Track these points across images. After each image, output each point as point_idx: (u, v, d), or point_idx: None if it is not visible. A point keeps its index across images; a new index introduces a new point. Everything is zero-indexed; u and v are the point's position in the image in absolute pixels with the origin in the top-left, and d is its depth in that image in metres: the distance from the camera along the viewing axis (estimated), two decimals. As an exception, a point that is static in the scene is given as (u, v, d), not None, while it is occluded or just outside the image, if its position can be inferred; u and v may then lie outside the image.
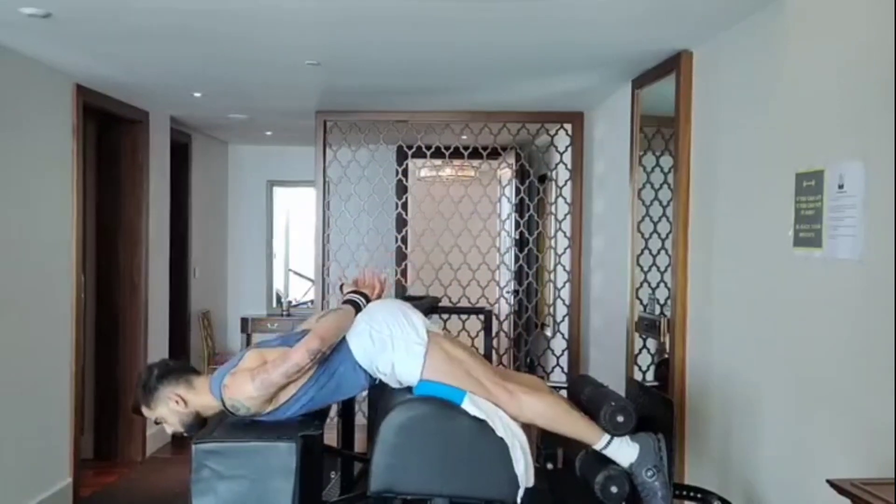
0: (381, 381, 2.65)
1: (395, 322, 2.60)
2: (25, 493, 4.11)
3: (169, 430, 2.63)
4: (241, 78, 4.55)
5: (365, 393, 3.52)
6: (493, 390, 2.52)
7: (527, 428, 2.58)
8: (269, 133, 7.03)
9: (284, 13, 3.17)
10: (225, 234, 7.96)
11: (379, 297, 2.76)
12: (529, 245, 5.75)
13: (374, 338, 2.57)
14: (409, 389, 2.60)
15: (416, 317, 2.65)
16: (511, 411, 2.51)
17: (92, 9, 3.15)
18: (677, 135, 3.56)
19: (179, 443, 5.89)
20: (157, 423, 2.63)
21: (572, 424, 2.59)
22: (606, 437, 2.53)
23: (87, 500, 4.64)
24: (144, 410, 2.61)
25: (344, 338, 2.58)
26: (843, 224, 2.33)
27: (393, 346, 2.55)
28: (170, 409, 2.56)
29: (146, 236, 5.49)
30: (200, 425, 2.61)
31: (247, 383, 2.45)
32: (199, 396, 2.57)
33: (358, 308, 2.65)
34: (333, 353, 2.54)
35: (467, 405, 2.46)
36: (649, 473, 2.50)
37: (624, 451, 2.52)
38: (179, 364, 2.72)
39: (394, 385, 2.65)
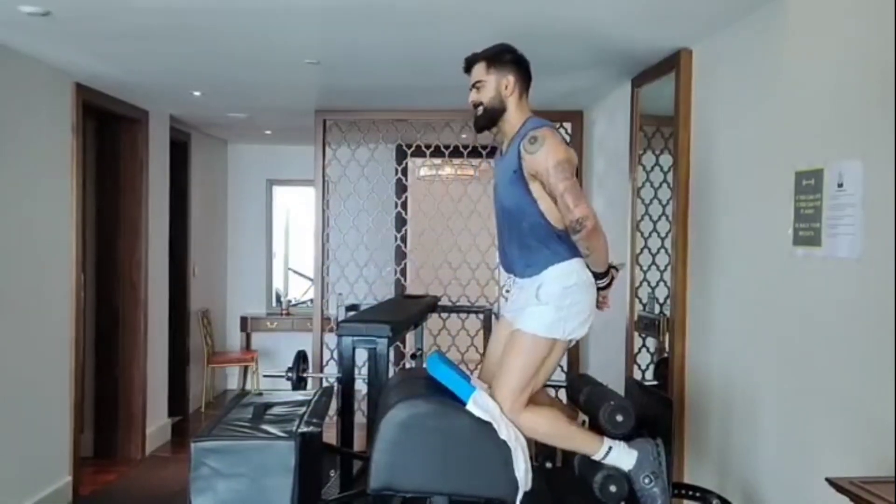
0: (509, 286, 2.62)
1: (583, 307, 2.56)
2: (25, 492, 4.11)
3: (472, 96, 2.65)
4: (240, 77, 4.54)
5: (365, 391, 3.53)
6: (516, 396, 2.50)
7: None
8: (268, 132, 7.03)
9: (284, 12, 3.17)
10: (224, 233, 7.95)
11: (604, 303, 2.72)
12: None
13: (574, 287, 2.53)
14: (410, 385, 2.59)
15: (584, 329, 2.61)
16: (510, 420, 2.50)
17: (91, 7, 3.14)
18: (677, 133, 3.56)
19: (179, 441, 5.91)
20: (474, 84, 2.64)
21: (570, 440, 2.60)
22: (605, 447, 2.53)
23: (86, 499, 4.64)
24: (479, 66, 2.63)
25: (575, 256, 2.54)
26: (842, 223, 2.34)
27: (560, 306, 2.51)
28: (496, 84, 2.60)
29: (146, 235, 5.49)
30: (491, 120, 2.65)
31: (559, 155, 2.46)
32: (516, 106, 2.63)
33: (605, 273, 2.62)
34: (567, 244, 2.52)
35: (472, 406, 2.45)
36: (647, 480, 2.50)
37: (622, 460, 2.53)
38: (531, 78, 2.71)
39: (511, 304, 2.65)
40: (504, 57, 2.63)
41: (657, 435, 2.61)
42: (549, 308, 2.51)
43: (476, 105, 2.66)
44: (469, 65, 2.67)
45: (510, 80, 2.60)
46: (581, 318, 2.56)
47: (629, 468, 2.51)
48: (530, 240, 2.57)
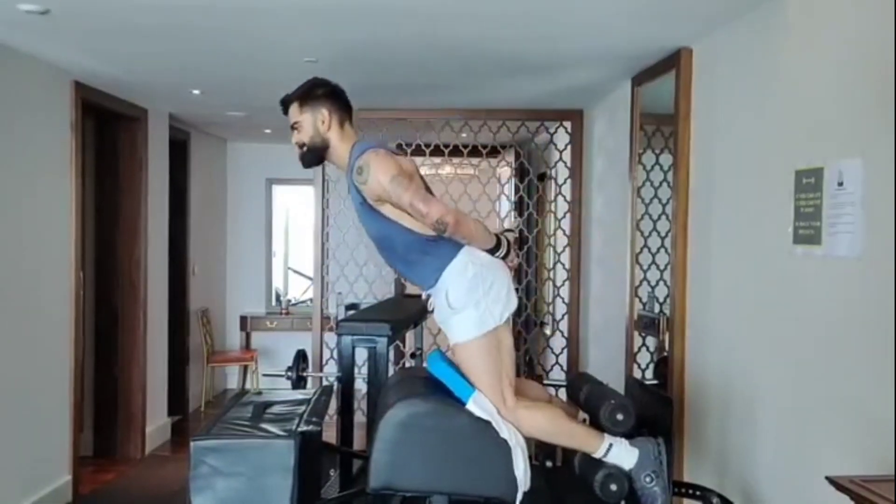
0: (430, 303, 2.61)
1: (498, 286, 2.52)
2: (25, 491, 4.11)
3: (294, 138, 2.65)
4: (239, 75, 4.54)
5: (364, 390, 3.52)
6: (505, 395, 2.50)
7: None
8: (267, 131, 7.02)
9: (283, 10, 3.16)
10: (224, 232, 7.95)
11: (509, 267, 2.65)
12: (529, 243, 5.75)
13: (476, 277, 2.49)
14: (410, 385, 2.59)
15: (513, 301, 2.57)
16: (510, 421, 2.50)
17: (90, 5, 3.14)
18: (677, 132, 3.55)
19: (178, 440, 5.91)
20: (292, 126, 2.65)
21: (570, 438, 2.59)
22: (605, 445, 2.52)
23: (86, 498, 4.64)
24: (293, 107, 2.64)
25: (461, 247, 2.52)
26: (842, 221, 2.33)
27: (476, 300, 2.48)
28: (313, 122, 2.59)
29: (145, 234, 5.49)
30: (317, 157, 2.65)
31: (390, 171, 2.44)
32: (340, 136, 2.60)
33: (498, 244, 2.57)
34: (446, 242, 2.49)
35: (472, 406, 2.44)
36: (648, 479, 2.49)
37: (623, 458, 2.52)
38: (349, 104, 2.69)
39: (437, 320, 2.61)
40: (315, 93, 2.61)
41: (657, 434, 2.60)
42: (468, 311, 2.49)
43: (299, 146, 2.65)
44: (284, 107, 2.67)
45: (325, 114, 2.58)
46: (501, 296, 2.53)
47: (630, 467, 2.50)
48: (410, 255, 2.57)
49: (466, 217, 2.54)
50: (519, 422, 2.49)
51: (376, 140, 2.59)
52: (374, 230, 2.60)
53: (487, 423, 2.44)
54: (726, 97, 3.24)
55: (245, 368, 7.66)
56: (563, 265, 5.51)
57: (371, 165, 2.46)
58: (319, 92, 2.61)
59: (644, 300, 4.07)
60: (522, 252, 5.83)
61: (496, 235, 2.59)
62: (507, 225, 2.67)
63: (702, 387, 3.36)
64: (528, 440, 2.53)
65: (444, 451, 2.45)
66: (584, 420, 2.79)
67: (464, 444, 2.45)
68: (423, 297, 2.68)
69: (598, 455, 2.53)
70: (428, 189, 2.57)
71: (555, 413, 2.61)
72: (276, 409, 2.80)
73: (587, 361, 5.31)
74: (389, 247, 2.60)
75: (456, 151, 5.65)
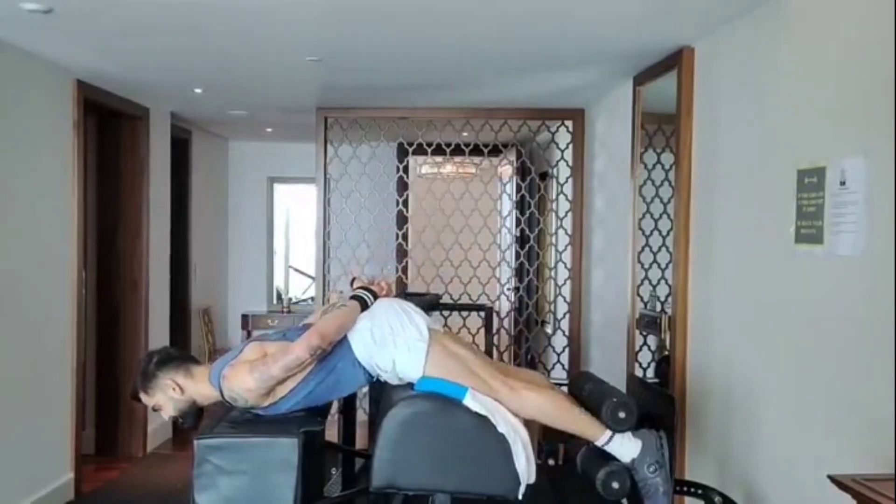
0: (381, 378, 2.66)
1: (396, 320, 2.60)
2: (27, 489, 4.11)
3: (165, 416, 2.64)
4: (241, 74, 4.55)
5: (366, 389, 3.52)
6: (494, 386, 2.52)
7: (528, 424, 2.58)
8: (269, 130, 7.03)
9: (286, 9, 3.17)
10: (225, 231, 7.96)
11: (386, 296, 2.75)
12: (530, 242, 5.75)
13: (375, 335, 2.57)
14: (410, 386, 2.60)
15: (418, 315, 2.65)
16: (512, 407, 2.51)
17: (93, 4, 3.14)
18: (678, 131, 3.56)
19: (181, 438, 5.91)
20: (154, 409, 2.65)
21: (574, 420, 2.59)
22: (608, 433, 2.53)
23: (88, 496, 4.65)
24: (142, 396, 2.63)
25: (345, 337, 2.58)
26: (844, 220, 2.34)
27: (395, 344, 2.56)
28: (167, 396, 2.58)
29: (146, 232, 5.49)
30: (197, 414, 2.64)
31: (246, 375, 2.46)
32: (197, 385, 2.58)
33: (364, 305, 2.64)
34: (334, 349, 2.55)
35: (469, 402, 2.46)
36: (651, 469, 2.50)
37: (626, 447, 2.53)
38: (180, 352, 2.73)
39: (394, 382, 2.65)
40: (149, 372, 2.60)
41: (660, 430, 2.61)
42: (397, 357, 2.54)
43: (173, 420, 2.65)
44: (136, 399, 2.67)
45: (169, 383, 2.58)
46: (405, 322, 2.59)
47: (634, 456, 2.51)
48: (328, 383, 2.57)
49: (323, 323, 2.55)
50: (522, 402, 2.51)
51: (217, 364, 2.60)
52: (292, 407, 2.58)
53: (489, 420, 2.44)
54: (728, 96, 3.24)
55: (246, 367, 7.65)
56: (565, 264, 5.51)
57: (233, 388, 2.48)
58: (151, 368, 2.60)
59: (645, 299, 4.08)
60: (524, 251, 5.84)
61: (355, 298, 2.64)
62: (348, 293, 2.74)
63: (703, 385, 3.37)
64: (530, 431, 2.54)
65: (447, 449, 2.46)
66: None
67: (466, 443, 2.46)
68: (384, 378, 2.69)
69: (599, 443, 2.53)
70: (283, 334, 2.62)
71: (558, 395, 2.63)
72: (278, 407, 2.80)
73: (589, 360, 5.32)
74: (314, 399, 2.61)
75: (458, 150, 5.66)
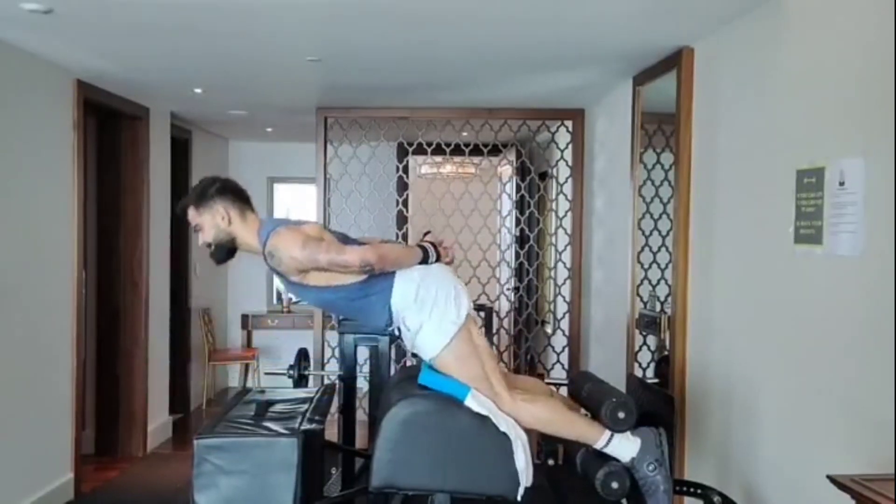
0: (397, 333, 2.64)
1: (443, 292, 2.56)
2: (27, 489, 4.12)
3: (201, 239, 2.66)
4: (241, 74, 4.55)
5: (366, 389, 3.53)
6: (498, 390, 2.52)
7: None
8: (269, 130, 7.03)
9: (286, 9, 3.17)
10: (226, 231, 7.94)
11: (448, 264, 2.70)
12: (530, 242, 5.75)
13: (419, 294, 2.54)
14: (411, 383, 2.60)
15: (465, 297, 2.61)
16: (510, 415, 2.51)
17: (93, 4, 3.15)
18: (678, 131, 3.56)
19: (181, 438, 5.92)
20: (195, 229, 2.67)
21: (571, 428, 2.60)
22: (606, 435, 2.53)
23: (88, 496, 4.65)
24: (190, 211, 2.65)
25: (394, 274, 2.55)
26: (843, 221, 2.34)
27: (430, 313, 2.53)
28: (213, 222, 2.62)
29: (147, 232, 5.49)
30: (228, 253, 2.66)
31: (298, 244, 2.47)
32: (244, 228, 2.62)
33: (426, 255, 2.60)
34: (378, 279, 2.53)
35: (470, 402, 2.46)
36: (651, 468, 2.51)
37: (625, 446, 2.53)
38: (243, 192, 2.71)
39: (407, 346, 2.64)
40: (208, 192, 2.63)
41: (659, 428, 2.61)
42: (425, 326, 2.53)
43: (207, 246, 2.68)
44: (183, 213, 2.69)
45: (222, 210, 2.61)
46: (451, 299, 2.56)
47: (633, 455, 2.51)
48: (354, 304, 2.60)
49: (385, 247, 2.57)
50: (519, 413, 2.51)
51: (277, 220, 2.62)
52: (312, 299, 2.64)
53: (489, 420, 2.45)
54: (727, 96, 3.24)
55: (246, 367, 7.67)
56: (565, 264, 5.51)
57: (279, 247, 2.50)
58: (212, 191, 2.63)
59: (645, 299, 4.08)
60: (523, 251, 5.84)
61: (419, 247, 2.62)
62: (411, 243, 2.70)
63: (703, 386, 3.37)
64: (529, 435, 2.54)
65: (446, 449, 2.46)
66: (586, 416, 2.80)
67: (466, 443, 2.46)
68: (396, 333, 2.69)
69: (598, 446, 2.54)
70: (344, 239, 2.62)
71: (555, 405, 2.63)
72: (278, 407, 2.81)
73: (588, 360, 5.32)
74: (333, 307, 2.67)
75: (458, 150, 5.66)
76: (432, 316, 2.53)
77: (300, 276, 2.54)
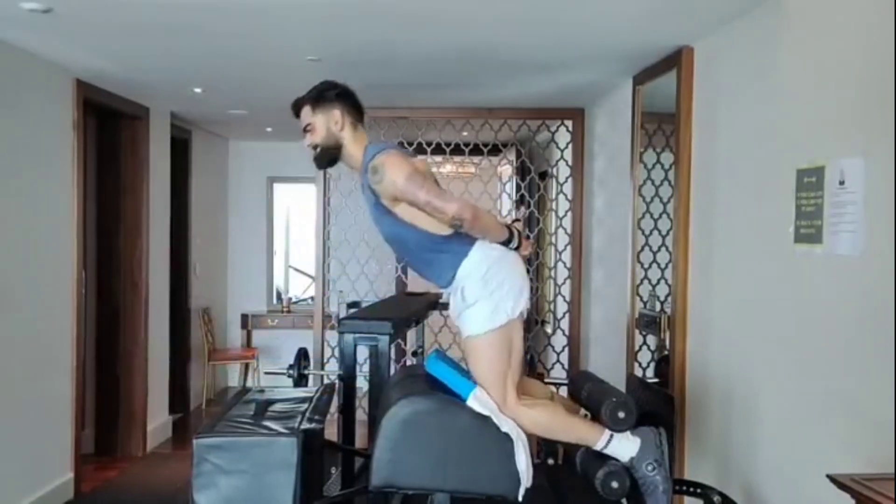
0: (448, 297, 2.62)
1: (510, 282, 2.53)
2: (26, 489, 4.11)
3: (309, 140, 2.64)
4: (241, 74, 4.55)
5: (366, 388, 3.52)
6: (507, 393, 2.50)
7: None
8: (269, 129, 7.03)
9: (286, 9, 3.17)
10: (225, 231, 7.96)
11: (523, 257, 2.67)
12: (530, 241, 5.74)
13: (487, 274, 2.51)
14: (412, 382, 2.60)
15: (525, 297, 2.58)
16: (511, 418, 2.51)
17: (92, 4, 3.15)
18: (678, 131, 3.56)
19: (180, 438, 5.92)
20: (305, 129, 2.64)
21: (570, 432, 2.60)
22: (605, 437, 2.53)
23: (88, 496, 4.65)
24: (305, 108, 2.63)
25: (474, 242, 2.53)
26: (843, 220, 2.34)
27: (489, 295, 2.50)
28: (326, 124, 2.60)
29: (146, 232, 5.49)
30: (331, 158, 2.64)
31: (404, 172, 2.45)
32: (353, 139, 2.62)
33: (510, 237, 2.59)
34: (460, 239, 2.51)
35: (472, 402, 2.45)
36: (650, 468, 2.50)
37: (624, 446, 2.53)
38: (361, 106, 2.69)
39: (452, 316, 2.64)
40: (328, 95, 2.62)
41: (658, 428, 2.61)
42: (480, 303, 2.50)
43: (312, 148, 2.65)
44: (296, 109, 2.67)
45: (338, 116, 2.60)
46: (514, 292, 2.54)
47: (632, 455, 2.51)
48: (425, 254, 2.59)
49: (482, 211, 2.55)
50: (519, 418, 2.50)
51: (388, 143, 2.61)
52: (388, 230, 2.61)
53: (489, 420, 2.44)
54: (727, 96, 3.24)
55: (246, 366, 7.67)
56: (565, 263, 5.51)
57: (385, 166, 2.47)
58: (332, 94, 2.62)
59: (645, 299, 4.08)
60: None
61: (507, 227, 2.60)
62: (512, 215, 2.67)
63: (703, 385, 3.37)
64: (529, 437, 2.54)
65: (446, 448, 2.46)
66: (585, 417, 2.79)
67: (466, 442, 2.46)
68: (444, 296, 2.68)
69: (598, 447, 2.54)
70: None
71: (555, 409, 2.62)
72: (278, 407, 2.80)
73: (588, 360, 5.32)
74: (403, 246, 2.63)
75: (457, 150, 5.66)
76: (489, 299, 2.50)
77: (390, 203, 2.51)
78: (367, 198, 2.61)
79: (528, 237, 2.68)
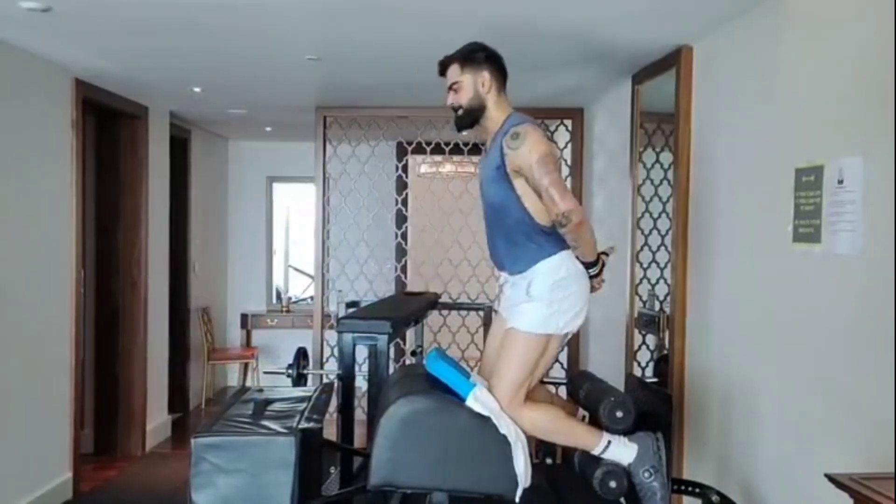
0: (509, 289, 2.63)
1: (574, 299, 2.55)
2: (25, 488, 4.11)
3: (450, 99, 2.64)
4: (241, 73, 4.54)
5: (365, 388, 3.53)
6: (514, 394, 2.50)
7: None
8: (268, 129, 7.02)
9: (285, 8, 3.17)
10: (225, 230, 7.96)
11: (593, 290, 2.69)
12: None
13: (559, 283, 2.51)
14: (411, 382, 2.59)
15: (580, 321, 2.61)
16: (510, 417, 2.51)
17: (91, 3, 3.14)
18: (677, 130, 3.56)
19: (179, 437, 5.92)
20: (452, 87, 2.63)
21: (569, 436, 2.61)
22: (604, 442, 2.53)
23: (87, 495, 4.65)
24: (454, 67, 2.63)
25: (562, 250, 2.54)
26: (842, 219, 2.34)
27: (551, 301, 2.50)
28: (474, 85, 2.59)
29: (146, 231, 5.49)
30: (472, 119, 2.63)
31: (541, 150, 2.46)
32: (497, 103, 2.62)
33: (594, 262, 2.61)
34: (553, 239, 2.52)
35: (472, 402, 2.45)
36: (647, 474, 2.50)
37: (622, 453, 2.53)
38: (507, 72, 2.69)
39: (502, 302, 2.67)
40: (478, 56, 2.62)
41: (657, 430, 2.61)
42: (541, 304, 2.51)
43: (455, 108, 2.65)
44: (443, 67, 2.66)
45: (486, 77, 2.60)
46: (574, 310, 2.55)
47: (629, 462, 2.51)
48: (516, 236, 2.57)
49: (589, 225, 2.55)
50: (520, 419, 2.50)
51: (532, 118, 2.62)
52: (496, 198, 2.58)
53: (488, 420, 2.44)
54: (727, 95, 3.24)
55: (245, 366, 7.66)
56: (564, 263, 5.50)
57: (528, 137, 2.47)
58: (481, 55, 2.61)
59: (644, 298, 4.08)
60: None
61: (598, 252, 2.62)
62: (599, 247, 2.69)
63: (702, 385, 3.37)
64: (528, 438, 2.54)
65: (445, 448, 2.46)
66: (584, 418, 2.80)
67: (464, 441, 2.46)
68: (501, 280, 2.68)
69: (596, 452, 2.54)
70: None
71: (555, 413, 2.62)
72: (276, 406, 2.80)
73: (587, 359, 5.32)
74: (501, 219, 2.60)
75: (457, 149, 5.66)
76: (552, 305, 2.51)
77: (513, 173, 2.50)
78: (490, 159, 2.59)
79: (603, 274, 2.69)
